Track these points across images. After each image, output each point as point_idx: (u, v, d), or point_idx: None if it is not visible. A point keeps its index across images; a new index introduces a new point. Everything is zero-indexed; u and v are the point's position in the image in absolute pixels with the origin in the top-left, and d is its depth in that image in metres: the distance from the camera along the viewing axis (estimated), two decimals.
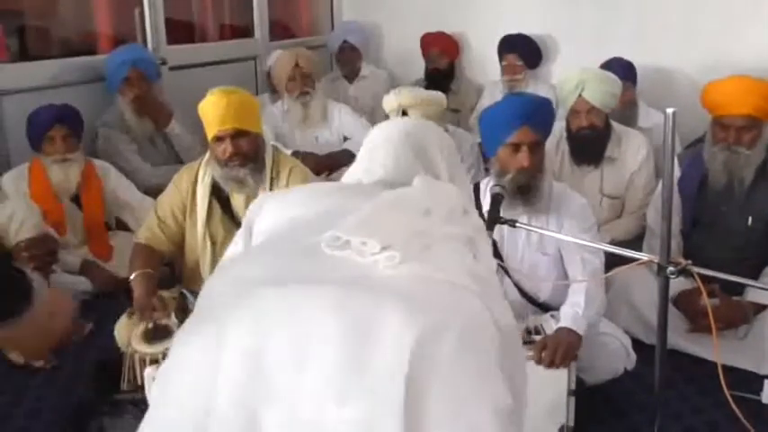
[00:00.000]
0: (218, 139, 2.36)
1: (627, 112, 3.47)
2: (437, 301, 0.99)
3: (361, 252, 1.02)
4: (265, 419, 0.89)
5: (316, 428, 0.88)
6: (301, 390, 0.89)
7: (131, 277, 2.32)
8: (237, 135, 2.35)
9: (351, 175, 1.36)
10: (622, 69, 3.50)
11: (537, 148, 2.24)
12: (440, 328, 0.94)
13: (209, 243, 2.44)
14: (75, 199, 3.11)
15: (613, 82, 3.02)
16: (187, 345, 0.99)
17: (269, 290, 0.98)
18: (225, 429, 0.89)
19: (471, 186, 1.47)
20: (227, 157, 2.35)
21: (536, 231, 2.18)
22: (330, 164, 3.63)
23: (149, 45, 3.88)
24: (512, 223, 1.96)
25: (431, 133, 1.40)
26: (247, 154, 2.37)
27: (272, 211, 1.23)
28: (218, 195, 2.45)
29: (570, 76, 3.01)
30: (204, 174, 2.46)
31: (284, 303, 0.96)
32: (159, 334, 2.09)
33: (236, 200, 2.46)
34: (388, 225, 1.06)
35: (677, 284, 2.40)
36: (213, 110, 2.33)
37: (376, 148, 1.35)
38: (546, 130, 2.34)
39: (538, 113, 2.27)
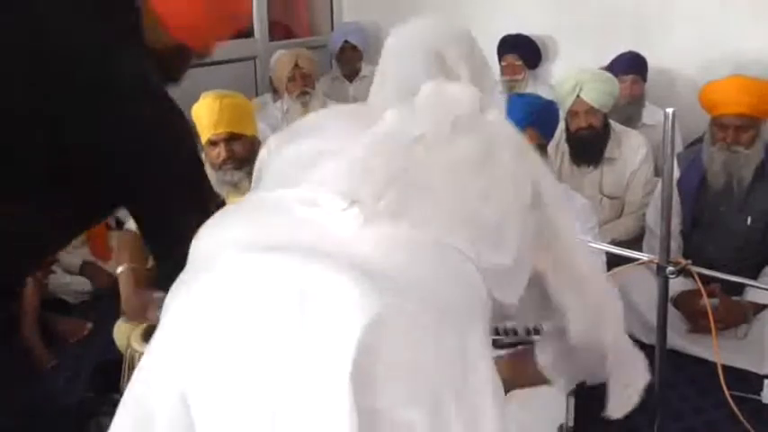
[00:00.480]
0: (212, 143, 2.35)
1: (633, 107, 3.47)
2: (406, 269, 0.92)
3: (329, 210, 0.95)
4: (219, 390, 0.90)
5: (263, 401, 0.87)
6: (253, 366, 0.88)
7: (118, 271, 2.19)
8: (231, 139, 2.34)
9: (371, 93, 1.28)
10: (634, 63, 3.50)
11: (541, 150, 2.23)
12: (399, 307, 0.87)
13: None
14: None
15: (611, 82, 3.03)
16: (165, 314, 0.99)
17: (229, 258, 0.95)
18: (196, 397, 0.91)
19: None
20: (220, 161, 2.34)
21: None
22: None
23: None
24: None
25: (447, 32, 1.27)
26: (242, 158, 2.36)
27: (275, 152, 1.18)
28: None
29: (568, 77, 3.01)
30: None
31: (240, 274, 0.93)
32: None
33: (233, 203, 2.44)
34: (367, 170, 0.98)
35: (677, 284, 2.40)
36: (206, 114, 2.32)
37: (388, 62, 1.27)
38: (550, 132, 2.33)
39: (543, 116, 2.26)
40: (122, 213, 3.23)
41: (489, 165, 1.05)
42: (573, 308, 1.18)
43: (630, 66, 3.49)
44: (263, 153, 1.21)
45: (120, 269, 2.17)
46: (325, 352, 0.85)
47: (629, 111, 3.43)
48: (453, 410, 0.88)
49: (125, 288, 2.14)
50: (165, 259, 1.03)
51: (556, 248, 1.14)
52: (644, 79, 3.58)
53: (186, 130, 1.31)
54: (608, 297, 1.23)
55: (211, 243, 1.01)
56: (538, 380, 1.35)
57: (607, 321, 1.22)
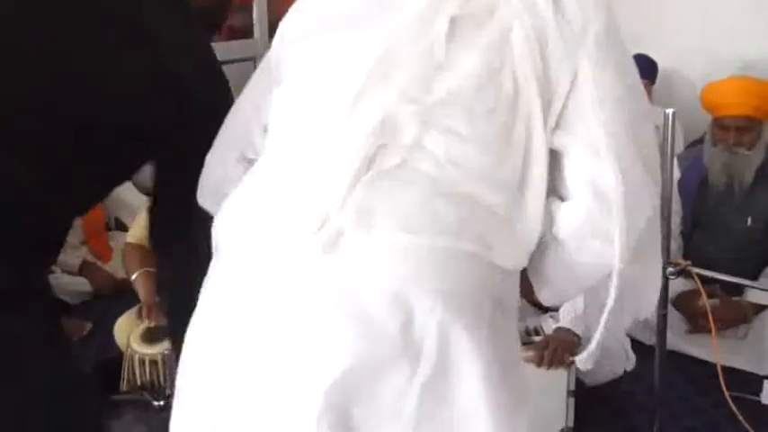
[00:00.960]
0: None
1: None
2: (387, 290, 0.83)
3: (301, 239, 0.86)
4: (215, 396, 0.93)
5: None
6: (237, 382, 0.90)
7: (132, 277, 2.31)
8: None
9: None
10: (643, 66, 3.48)
11: None
12: (374, 348, 0.82)
13: None
14: None
15: None
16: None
17: (233, 280, 0.94)
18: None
19: None
20: None
21: None
22: None
23: None
24: None
25: None
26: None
27: (293, 59, 1.03)
28: None
29: None
30: None
31: (237, 302, 0.92)
32: (158, 334, 2.09)
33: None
34: (332, 188, 0.87)
35: (678, 285, 2.39)
36: None
37: None
38: None
39: None
40: (122, 214, 3.25)
41: (503, 69, 0.90)
42: (581, 188, 0.91)
43: (640, 69, 3.47)
44: (276, 42, 1.10)
45: (134, 275, 2.24)
46: (299, 394, 0.85)
47: None
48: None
49: (144, 289, 2.21)
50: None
51: (582, 126, 0.91)
52: (652, 82, 3.57)
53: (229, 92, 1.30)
54: (631, 198, 0.89)
55: (228, 238, 0.98)
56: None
57: (618, 218, 0.89)
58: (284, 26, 1.09)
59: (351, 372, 0.82)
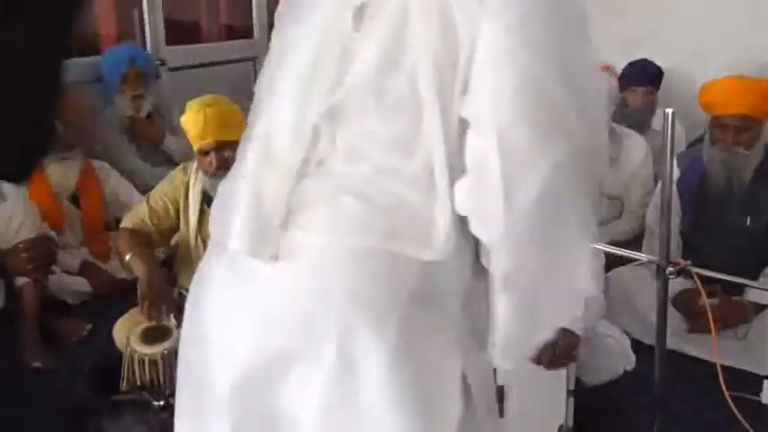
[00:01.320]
0: (203, 152, 2.37)
1: (644, 114, 3.46)
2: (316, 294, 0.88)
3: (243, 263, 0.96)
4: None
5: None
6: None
7: (126, 258, 2.21)
8: (221, 147, 2.35)
9: None
10: (647, 73, 3.49)
11: None
12: (292, 355, 0.89)
13: (201, 247, 2.44)
14: (74, 199, 3.10)
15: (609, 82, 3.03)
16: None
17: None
18: None
19: None
20: (213, 169, 2.35)
21: None
22: None
23: (148, 46, 3.87)
24: None
25: None
26: (233, 163, 2.36)
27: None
28: (209, 202, 2.45)
29: None
30: (195, 180, 2.46)
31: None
32: (158, 334, 2.09)
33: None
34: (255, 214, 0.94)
35: (677, 284, 2.39)
36: (192, 126, 2.34)
37: None
38: None
39: None
40: (122, 214, 3.24)
41: (402, 54, 0.87)
42: (468, 163, 0.86)
43: (644, 77, 3.46)
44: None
45: (127, 257, 2.18)
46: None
47: (640, 118, 3.42)
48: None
49: (144, 269, 2.15)
50: None
51: (475, 95, 0.85)
52: (657, 88, 3.56)
53: None
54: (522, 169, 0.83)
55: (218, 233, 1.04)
56: None
57: (495, 196, 0.82)
58: (276, 16, 1.09)
59: (256, 362, 0.90)
